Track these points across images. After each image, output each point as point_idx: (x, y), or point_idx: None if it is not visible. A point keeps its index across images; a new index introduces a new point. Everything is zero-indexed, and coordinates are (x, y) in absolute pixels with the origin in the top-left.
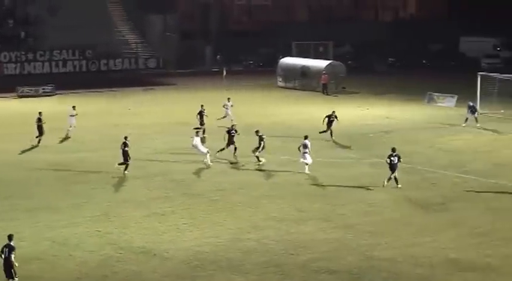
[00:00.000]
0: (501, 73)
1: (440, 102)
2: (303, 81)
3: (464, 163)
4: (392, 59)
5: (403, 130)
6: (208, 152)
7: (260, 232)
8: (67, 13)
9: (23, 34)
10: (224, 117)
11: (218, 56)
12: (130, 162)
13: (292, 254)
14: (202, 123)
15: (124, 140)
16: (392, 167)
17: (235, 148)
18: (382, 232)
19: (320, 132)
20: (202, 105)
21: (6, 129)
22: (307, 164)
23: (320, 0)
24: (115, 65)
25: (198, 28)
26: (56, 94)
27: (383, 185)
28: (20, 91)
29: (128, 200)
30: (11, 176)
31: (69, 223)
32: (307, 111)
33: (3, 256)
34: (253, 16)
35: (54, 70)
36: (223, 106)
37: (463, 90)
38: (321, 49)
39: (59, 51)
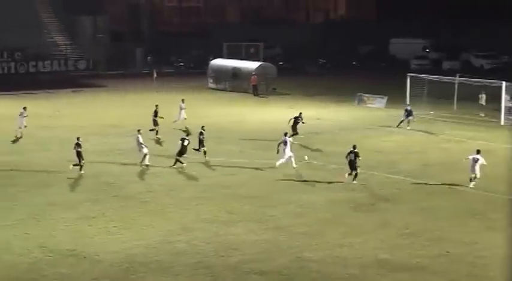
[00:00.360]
0: (430, 74)
1: (370, 103)
2: (234, 83)
3: (394, 164)
4: (323, 60)
5: (334, 131)
6: (147, 153)
7: (190, 234)
8: None
9: None
10: (176, 121)
11: (149, 58)
12: (83, 163)
13: (223, 255)
14: (156, 124)
15: (77, 141)
16: (351, 164)
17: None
18: (313, 233)
19: (291, 136)
20: (156, 106)
21: None
22: (290, 158)
23: (251, 2)
24: (44, 67)
25: (129, 29)
26: None
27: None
28: None
29: (57, 203)
30: None
31: None
32: (239, 112)
33: None
34: (184, 17)
35: None
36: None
37: (393, 92)
38: (252, 50)
39: None
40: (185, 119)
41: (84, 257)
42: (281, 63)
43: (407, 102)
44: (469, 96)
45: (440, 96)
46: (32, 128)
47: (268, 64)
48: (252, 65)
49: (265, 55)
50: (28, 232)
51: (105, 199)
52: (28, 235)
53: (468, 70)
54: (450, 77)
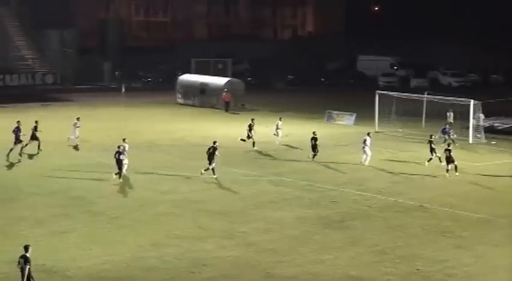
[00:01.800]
0: (398, 91)
1: (339, 120)
2: (202, 98)
3: (363, 181)
4: (291, 77)
5: (303, 148)
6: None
7: (161, 250)
8: None
9: None
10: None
11: (116, 72)
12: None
13: (193, 272)
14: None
15: (117, 149)
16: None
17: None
18: (284, 250)
19: (312, 157)
20: (36, 121)
21: None
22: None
23: (219, 18)
24: (11, 81)
25: (97, 44)
26: None
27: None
28: None
29: (27, 218)
30: None
31: None
32: (206, 128)
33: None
34: (152, 32)
35: None
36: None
37: (362, 109)
38: (220, 66)
39: None
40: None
41: (55, 272)
42: (249, 79)
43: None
44: (437, 114)
45: (408, 113)
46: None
47: (237, 80)
48: (220, 80)
49: (233, 71)
50: None
51: (76, 214)
52: None
53: (436, 88)
54: (418, 95)
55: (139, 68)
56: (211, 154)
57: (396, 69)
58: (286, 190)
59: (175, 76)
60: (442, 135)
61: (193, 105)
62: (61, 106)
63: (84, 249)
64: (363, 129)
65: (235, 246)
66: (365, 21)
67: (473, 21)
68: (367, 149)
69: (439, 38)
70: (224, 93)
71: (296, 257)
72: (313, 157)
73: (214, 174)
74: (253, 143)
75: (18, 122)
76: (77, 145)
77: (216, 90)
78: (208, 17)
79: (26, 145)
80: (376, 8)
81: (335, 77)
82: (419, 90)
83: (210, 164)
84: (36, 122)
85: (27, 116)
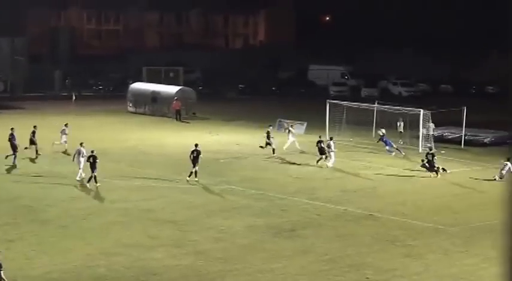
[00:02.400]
0: (349, 101)
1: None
2: (154, 107)
3: (314, 190)
4: (242, 86)
5: (254, 156)
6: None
7: (110, 259)
8: None
9: None
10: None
11: (67, 81)
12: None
13: (143, 280)
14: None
15: (91, 153)
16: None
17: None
18: (233, 258)
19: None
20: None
21: None
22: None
23: (170, 27)
24: None
25: (47, 52)
26: None
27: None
28: None
29: None
30: None
31: None
32: (158, 136)
33: None
34: (103, 40)
35: None
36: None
37: (313, 118)
38: (171, 75)
39: None
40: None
41: None
42: (201, 87)
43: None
44: (387, 124)
45: (359, 123)
46: None
47: (188, 88)
48: (171, 89)
49: (185, 79)
50: None
51: (24, 222)
52: None
53: (386, 97)
54: (369, 104)
55: (90, 76)
56: (195, 157)
57: (347, 78)
58: (236, 198)
59: (127, 84)
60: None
61: (144, 114)
62: (11, 114)
63: (32, 258)
64: (314, 138)
65: (185, 255)
66: (316, 30)
67: (424, 31)
68: (332, 153)
69: (390, 47)
70: (174, 102)
71: (246, 265)
72: (325, 159)
73: (196, 177)
74: (273, 150)
75: (12, 129)
76: (66, 150)
77: (168, 99)
78: (160, 26)
79: (26, 148)
80: (327, 18)
81: (286, 86)
82: (369, 99)
83: (194, 167)
84: (34, 127)
85: None
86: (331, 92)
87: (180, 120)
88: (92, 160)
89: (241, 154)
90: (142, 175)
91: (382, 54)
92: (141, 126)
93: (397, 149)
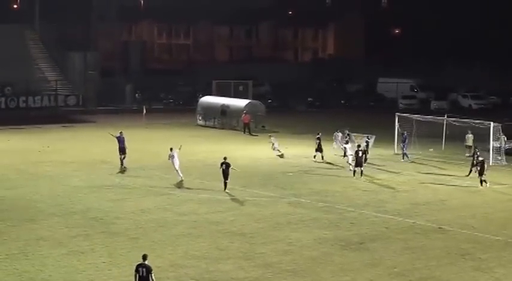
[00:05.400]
0: (418, 114)
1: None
2: (223, 120)
3: (382, 203)
4: (311, 99)
5: (322, 169)
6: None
7: (180, 271)
8: None
9: None
10: None
11: (137, 94)
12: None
13: None
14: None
15: (223, 160)
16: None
17: None
18: (302, 271)
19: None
20: None
21: None
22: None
23: (240, 41)
24: (34, 102)
25: (119, 66)
26: None
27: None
28: None
29: (46, 238)
30: None
31: None
32: (227, 149)
33: (139, 275)
34: (173, 55)
35: None
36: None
37: (381, 131)
38: (240, 88)
39: None
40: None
41: None
42: (270, 101)
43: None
44: (457, 136)
45: (428, 136)
46: (22, 163)
47: (257, 102)
48: (240, 102)
49: (254, 93)
50: (17, 267)
51: (94, 234)
52: (17, 270)
53: (456, 110)
54: (438, 117)
55: (161, 90)
56: (224, 170)
57: (416, 91)
58: (304, 211)
59: (196, 98)
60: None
61: (213, 127)
62: (83, 127)
63: (102, 269)
64: (382, 151)
65: (253, 267)
66: (385, 44)
67: (494, 43)
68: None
69: (460, 60)
70: (244, 115)
71: (315, 278)
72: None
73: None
74: (322, 156)
75: (121, 132)
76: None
77: (237, 112)
78: (230, 40)
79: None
80: (397, 31)
81: (355, 99)
82: (439, 112)
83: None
84: (120, 133)
85: (50, 138)
86: (401, 105)
87: (249, 133)
88: (225, 167)
89: (309, 167)
90: (211, 188)
91: (451, 66)
92: (210, 139)
93: (404, 154)
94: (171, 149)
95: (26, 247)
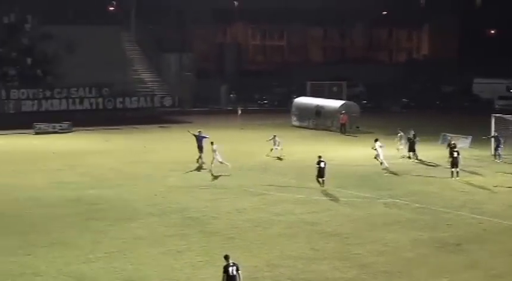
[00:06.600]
0: None
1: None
2: (317, 121)
3: (479, 204)
4: (405, 100)
5: (417, 170)
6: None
7: (276, 270)
8: (84, 51)
9: (39, 72)
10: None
11: (232, 95)
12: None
13: None
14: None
15: (318, 159)
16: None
17: None
18: (398, 272)
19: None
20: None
21: (22, 166)
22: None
23: (334, 42)
24: (131, 103)
25: (213, 67)
26: (72, 131)
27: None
28: (36, 128)
29: (143, 237)
30: (27, 211)
31: (85, 259)
32: (322, 150)
33: (228, 274)
34: (268, 56)
35: (71, 107)
36: None
37: (477, 132)
38: (334, 89)
39: (76, 89)
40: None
41: None
42: (364, 101)
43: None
44: None
45: None
46: (120, 163)
47: (352, 103)
48: (335, 103)
49: (348, 94)
50: (116, 265)
51: (191, 234)
52: (116, 269)
53: None
54: None
55: (255, 91)
56: (322, 168)
57: None
58: (400, 212)
59: (291, 99)
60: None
61: (308, 128)
62: (179, 128)
63: (199, 268)
64: (478, 152)
65: (349, 268)
66: (480, 44)
67: None
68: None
69: None
70: (341, 115)
71: (411, 279)
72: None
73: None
74: (415, 156)
75: (199, 131)
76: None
77: (331, 113)
78: (324, 41)
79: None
80: (492, 31)
81: (450, 100)
82: None
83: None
84: (199, 132)
85: (146, 138)
86: (496, 106)
87: (344, 133)
88: (323, 165)
89: (405, 167)
90: (307, 188)
91: None
92: (306, 139)
93: (498, 154)
94: (212, 143)
95: (124, 245)
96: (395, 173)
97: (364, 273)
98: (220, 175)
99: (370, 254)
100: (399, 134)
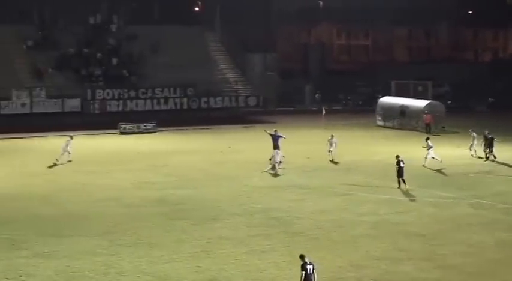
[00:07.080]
0: None
1: None
2: (402, 121)
3: None
4: (492, 99)
5: (504, 170)
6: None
7: (360, 271)
8: (169, 51)
9: (125, 72)
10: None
11: (317, 95)
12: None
13: None
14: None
15: (397, 159)
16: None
17: None
18: (484, 273)
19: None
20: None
21: (108, 166)
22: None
23: (419, 41)
24: (215, 103)
25: (298, 67)
26: (157, 131)
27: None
28: (121, 128)
29: (227, 237)
30: (112, 211)
31: (170, 259)
32: (407, 150)
33: (306, 272)
34: (352, 56)
35: (156, 107)
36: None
37: None
38: (420, 89)
39: (160, 89)
40: None
41: None
42: (449, 101)
43: None
44: None
45: None
46: (205, 163)
47: (437, 102)
48: (420, 103)
49: (433, 93)
50: (200, 265)
51: (275, 234)
52: (200, 268)
53: None
54: None
55: (339, 91)
56: (402, 167)
57: None
58: (485, 212)
59: (375, 99)
60: None
61: (393, 128)
62: (263, 128)
63: (283, 268)
64: None
65: (433, 268)
66: None
67: None
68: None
69: None
70: (425, 115)
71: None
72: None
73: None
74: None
75: (275, 130)
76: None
77: (417, 113)
78: (409, 40)
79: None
80: None
81: None
82: None
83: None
84: (275, 131)
85: (231, 138)
86: None
87: (429, 133)
88: (403, 164)
89: (493, 168)
90: (392, 188)
91: None
92: (391, 139)
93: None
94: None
95: (209, 245)
96: (479, 172)
97: (449, 274)
98: (305, 175)
99: (456, 255)
100: (472, 135)
